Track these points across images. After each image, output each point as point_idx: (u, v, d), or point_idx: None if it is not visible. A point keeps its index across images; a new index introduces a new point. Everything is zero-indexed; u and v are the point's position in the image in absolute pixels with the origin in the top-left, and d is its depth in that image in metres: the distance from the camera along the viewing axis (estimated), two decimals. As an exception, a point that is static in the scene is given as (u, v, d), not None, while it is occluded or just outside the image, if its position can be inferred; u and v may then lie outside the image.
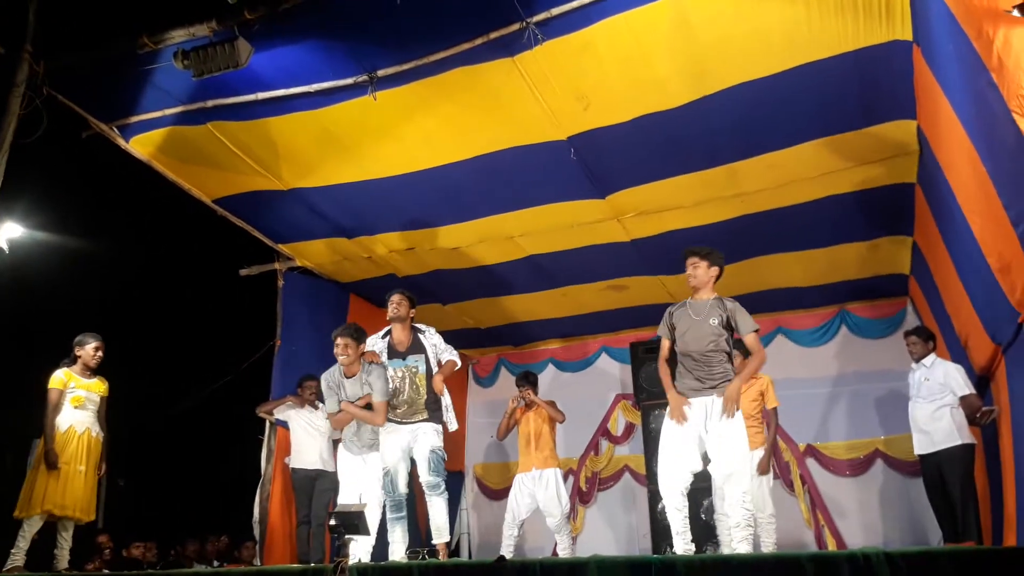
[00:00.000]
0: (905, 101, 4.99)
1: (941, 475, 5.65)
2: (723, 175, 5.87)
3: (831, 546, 7.56)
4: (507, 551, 6.27)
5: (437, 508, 5.31)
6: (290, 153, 5.82)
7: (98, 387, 5.62)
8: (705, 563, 3.28)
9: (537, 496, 6.49)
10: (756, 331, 4.79)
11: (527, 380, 6.80)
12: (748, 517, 4.40)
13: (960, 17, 3.54)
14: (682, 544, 4.46)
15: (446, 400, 5.44)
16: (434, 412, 5.36)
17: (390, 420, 5.28)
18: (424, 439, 5.27)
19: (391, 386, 5.33)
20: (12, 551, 5.13)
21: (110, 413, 5.76)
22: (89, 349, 5.55)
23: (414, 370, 5.40)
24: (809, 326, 8.47)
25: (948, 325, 6.21)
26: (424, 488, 5.30)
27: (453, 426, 5.46)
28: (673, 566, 3.24)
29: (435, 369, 5.44)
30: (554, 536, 6.82)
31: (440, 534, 5.32)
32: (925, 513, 6.51)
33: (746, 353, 5.03)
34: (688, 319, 4.77)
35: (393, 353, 5.50)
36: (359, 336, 5.29)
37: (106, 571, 6.90)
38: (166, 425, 9.44)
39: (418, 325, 5.61)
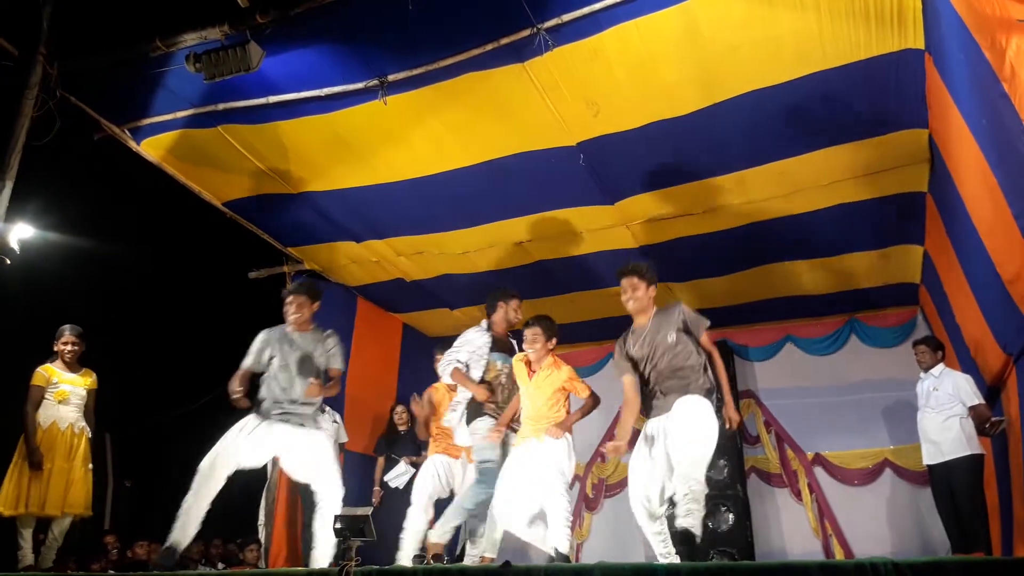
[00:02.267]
0: (917, 110, 4.97)
1: (950, 485, 5.63)
2: (733, 183, 5.85)
3: (839, 555, 7.52)
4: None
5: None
6: (300, 157, 5.84)
7: (84, 381, 5.57)
8: (711, 571, 3.26)
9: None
10: (708, 327, 4.51)
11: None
12: (698, 491, 4.11)
13: (972, 27, 3.53)
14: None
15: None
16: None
17: (490, 415, 5.19)
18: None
19: (498, 380, 5.28)
20: (18, 552, 5.13)
21: (115, 413, 5.74)
22: (59, 342, 5.53)
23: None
24: (818, 335, 8.44)
25: (958, 335, 6.19)
26: None
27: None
28: (678, 573, 3.22)
29: None
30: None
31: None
32: (934, 523, 6.48)
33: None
34: (642, 347, 4.48)
35: (500, 347, 5.41)
36: (314, 296, 5.12)
37: (112, 571, 6.93)
38: (173, 426, 9.47)
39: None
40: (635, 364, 4.50)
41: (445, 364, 5.40)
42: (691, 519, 4.00)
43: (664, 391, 4.37)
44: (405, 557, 5.44)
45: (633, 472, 4.40)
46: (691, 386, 4.31)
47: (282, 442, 4.90)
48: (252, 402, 4.94)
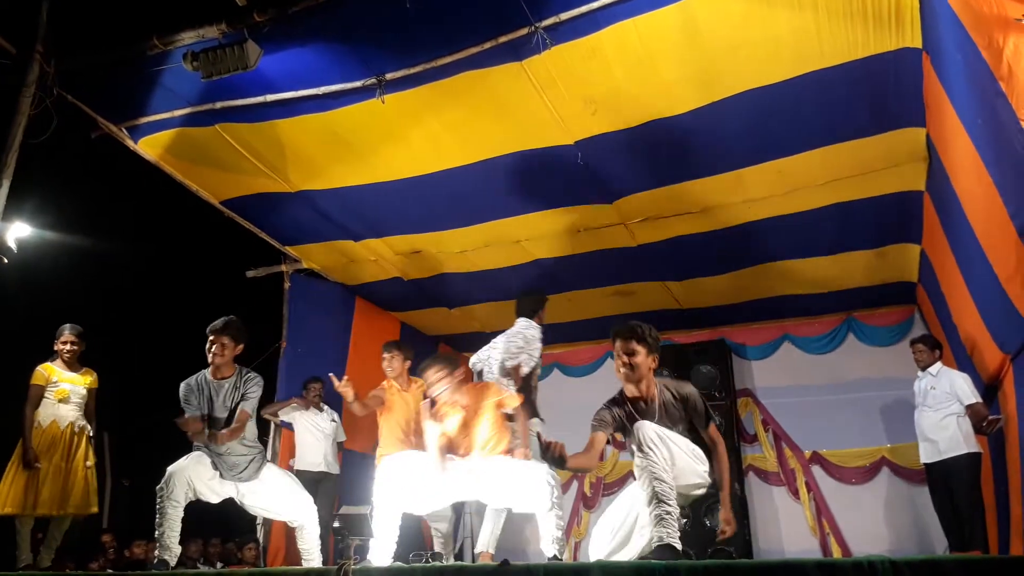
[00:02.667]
0: (914, 109, 4.97)
1: (947, 484, 5.64)
2: (731, 181, 5.85)
3: (836, 554, 7.53)
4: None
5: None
6: (298, 155, 5.83)
7: (84, 380, 5.58)
8: (709, 569, 3.25)
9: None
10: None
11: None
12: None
13: (969, 26, 3.54)
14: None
15: None
16: None
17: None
18: None
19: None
20: (16, 551, 5.13)
21: (114, 412, 5.74)
22: (58, 342, 5.54)
23: None
24: (816, 333, 8.46)
25: (955, 334, 6.20)
26: None
27: None
28: (677, 572, 3.22)
29: None
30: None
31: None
32: (931, 522, 6.49)
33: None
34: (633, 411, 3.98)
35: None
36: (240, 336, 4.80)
37: (110, 570, 6.91)
38: (171, 425, 9.45)
39: None
40: (621, 430, 3.97)
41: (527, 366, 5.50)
42: (661, 528, 3.50)
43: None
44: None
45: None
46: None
47: (235, 490, 4.76)
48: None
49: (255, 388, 4.72)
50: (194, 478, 4.60)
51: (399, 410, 6.03)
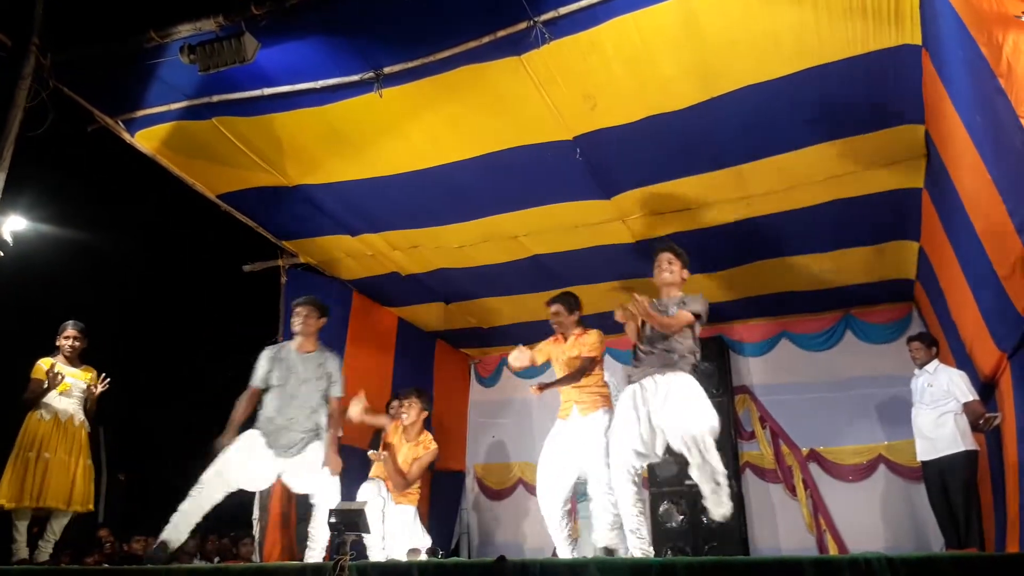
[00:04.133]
0: (913, 105, 4.97)
1: (944, 481, 5.64)
2: (730, 177, 5.85)
3: (833, 551, 7.54)
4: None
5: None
6: (295, 149, 5.81)
7: (84, 376, 5.59)
8: (706, 566, 3.26)
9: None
10: (697, 316, 4.68)
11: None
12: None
13: (969, 22, 3.53)
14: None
15: None
16: None
17: None
18: None
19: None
20: (13, 546, 5.12)
21: (110, 407, 5.75)
22: (61, 337, 5.56)
23: None
24: (814, 330, 8.45)
25: (954, 331, 6.20)
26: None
27: None
28: (674, 568, 3.22)
29: None
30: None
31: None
32: (927, 519, 6.50)
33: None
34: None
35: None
36: (323, 310, 5.22)
37: (106, 565, 6.91)
38: (167, 420, 9.46)
39: None
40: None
41: None
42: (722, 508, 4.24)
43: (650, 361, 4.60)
44: None
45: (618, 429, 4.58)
46: (678, 363, 4.56)
47: (282, 467, 4.97)
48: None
49: (337, 370, 5.11)
50: (239, 470, 4.79)
51: (395, 454, 6.03)
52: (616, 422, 4.63)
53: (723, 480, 4.29)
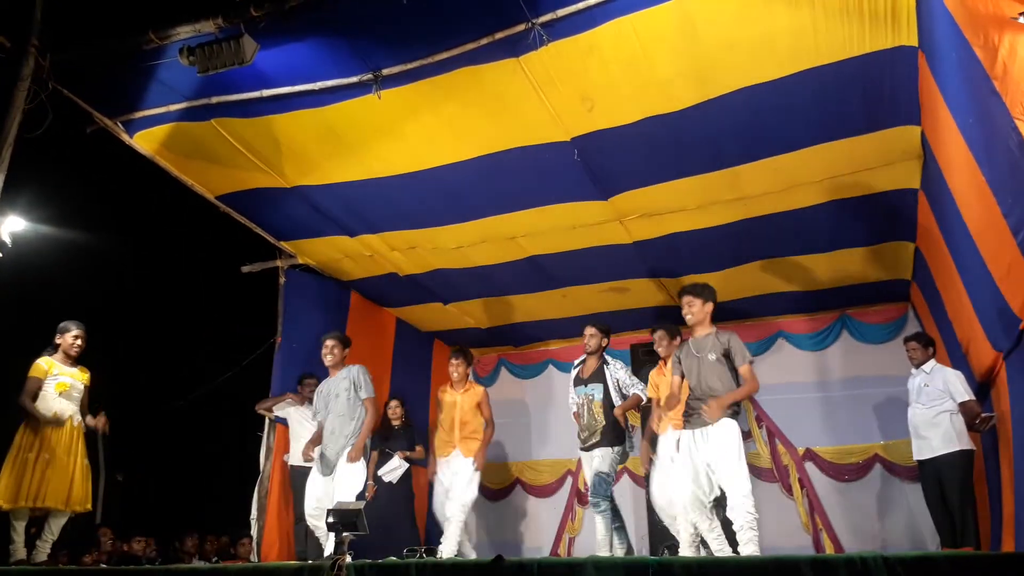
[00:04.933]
0: (910, 107, 4.99)
1: (940, 481, 5.66)
2: (726, 178, 5.87)
3: (829, 550, 7.56)
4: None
5: (597, 525, 5.75)
6: (293, 151, 5.82)
7: (81, 376, 5.58)
8: (702, 565, 3.28)
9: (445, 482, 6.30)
10: (751, 362, 4.87)
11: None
12: (751, 520, 4.47)
13: (963, 24, 3.55)
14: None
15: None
16: (607, 436, 5.83)
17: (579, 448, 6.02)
18: (593, 462, 5.84)
19: (577, 411, 6.00)
20: (11, 546, 5.11)
21: (108, 407, 5.75)
22: (68, 337, 5.52)
23: (590, 397, 5.91)
24: (810, 330, 8.47)
25: (950, 331, 6.22)
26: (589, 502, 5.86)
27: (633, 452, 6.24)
28: (671, 568, 3.24)
29: (615, 397, 5.90)
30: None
31: (600, 548, 5.67)
32: (923, 518, 6.52)
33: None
34: (688, 357, 4.97)
35: (577, 381, 6.13)
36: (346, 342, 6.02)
37: (104, 565, 6.91)
38: (166, 421, 9.45)
39: (607, 357, 6.11)
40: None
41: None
42: (750, 546, 4.44)
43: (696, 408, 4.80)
44: None
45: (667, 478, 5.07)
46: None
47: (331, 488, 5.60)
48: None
49: (360, 375, 5.85)
50: (315, 505, 5.56)
51: (447, 410, 6.48)
52: None
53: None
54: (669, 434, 5.40)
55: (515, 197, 6.30)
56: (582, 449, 5.99)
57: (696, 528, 4.78)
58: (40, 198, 5.55)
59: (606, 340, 6.14)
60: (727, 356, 4.82)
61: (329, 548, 5.23)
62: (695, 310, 4.94)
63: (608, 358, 6.10)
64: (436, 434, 6.50)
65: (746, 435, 8.41)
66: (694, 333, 5.00)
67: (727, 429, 4.67)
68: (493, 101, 5.18)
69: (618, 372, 6.01)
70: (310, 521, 5.66)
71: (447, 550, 5.74)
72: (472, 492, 6.09)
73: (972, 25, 3.45)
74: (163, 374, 9.53)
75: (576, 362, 6.25)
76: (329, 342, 5.89)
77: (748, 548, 4.42)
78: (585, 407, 5.92)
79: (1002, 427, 5.25)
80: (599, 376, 5.97)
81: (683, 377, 5.01)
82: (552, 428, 9.23)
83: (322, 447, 5.74)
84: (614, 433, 5.85)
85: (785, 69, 4.72)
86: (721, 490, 4.67)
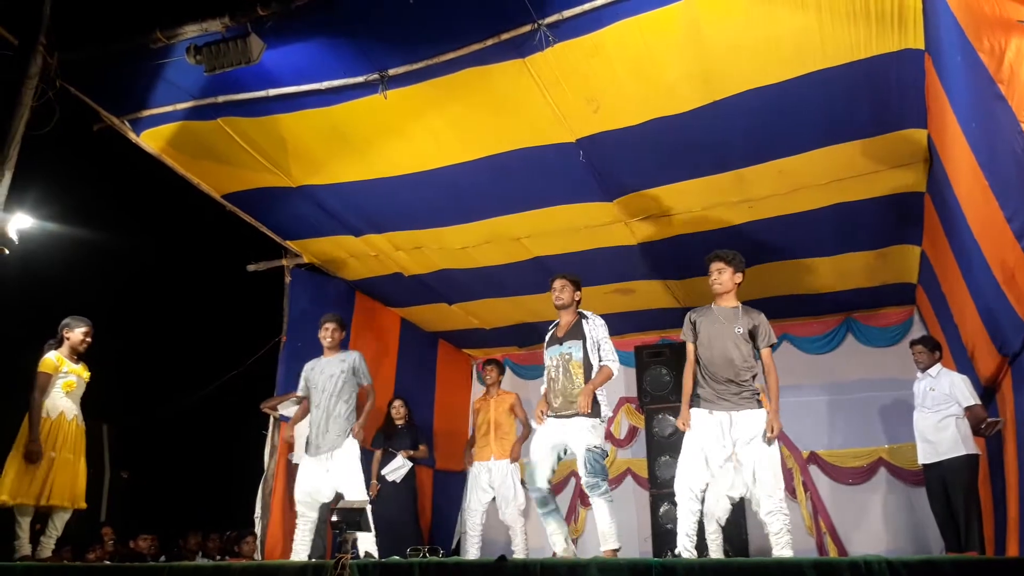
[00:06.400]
0: (916, 110, 4.98)
1: (944, 485, 5.64)
2: (732, 180, 5.86)
3: (833, 554, 7.55)
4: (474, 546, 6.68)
5: (600, 511, 4.86)
6: (299, 150, 5.84)
7: (84, 373, 5.57)
8: (705, 567, 3.28)
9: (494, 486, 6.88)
10: (773, 346, 4.78)
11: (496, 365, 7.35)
12: (786, 522, 4.49)
13: (968, 28, 3.53)
14: (686, 542, 4.54)
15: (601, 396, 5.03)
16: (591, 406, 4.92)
17: (548, 415, 5.04)
18: (580, 436, 4.88)
19: (549, 375, 5.16)
20: (15, 542, 5.13)
21: (114, 404, 5.76)
22: (78, 333, 5.50)
23: (567, 356, 5.07)
24: (815, 333, 8.46)
25: (955, 335, 6.20)
26: (584, 489, 4.94)
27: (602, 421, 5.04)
28: (674, 569, 3.24)
29: (592, 358, 5.05)
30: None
31: (606, 540, 4.82)
32: (928, 522, 6.50)
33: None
34: (712, 324, 4.78)
35: (552, 340, 5.31)
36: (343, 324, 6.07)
37: (108, 562, 6.93)
38: (171, 419, 9.48)
39: (584, 311, 5.29)
40: (696, 337, 4.84)
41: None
42: (787, 550, 4.44)
43: (722, 391, 4.65)
44: None
45: (685, 453, 4.68)
46: (743, 387, 4.64)
47: (325, 470, 5.59)
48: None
49: (359, 362, 5.91)
50: (307, 491, 5.54)
51: (482, 416, 7.14)
52: None
53: None
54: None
55: (520, 198, 6.30)
56: (556, 417, 5.01)
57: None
58: (47, 196, 5.57)
59: (578, 293, 5.29)
60: (752, 335, 4.72)
61: (302, 548, 5.51)
62: (724, 278, 4.80)
63: (587, 312, 5.28)
64: (471, 442, 7.19)
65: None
66: (719, 302, 4.88)
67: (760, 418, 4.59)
68: (499, 102, 5.18)
69: (597, 329, 5.13)
70: (301, 509, 5.56)
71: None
72: (522, 493, 6.64)
73: (977, 28, 3.43)
74: (168, 372, 9.57)
75: (551, 326, 5.44)
76: (329, 325, 5.95)
77: (785, 552, 4.45)
78: (561, 368, 5.07)
79: (1007, 431, 5.23)
80: (577, 332, 5.12)
81: (694, 343, 4.79)
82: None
83: (311, 428, 5.67)
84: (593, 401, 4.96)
85: (791, 71, 4.72)
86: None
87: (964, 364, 6.01)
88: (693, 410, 4.72)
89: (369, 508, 4.65)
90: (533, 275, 7.55)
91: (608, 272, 7.55)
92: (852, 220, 6.32)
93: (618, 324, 8.85)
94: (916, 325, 7.94)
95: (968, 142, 4.15)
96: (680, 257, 7.12)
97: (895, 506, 7.67)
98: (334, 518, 4.35)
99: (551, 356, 5.22)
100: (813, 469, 8.07)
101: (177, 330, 9.89)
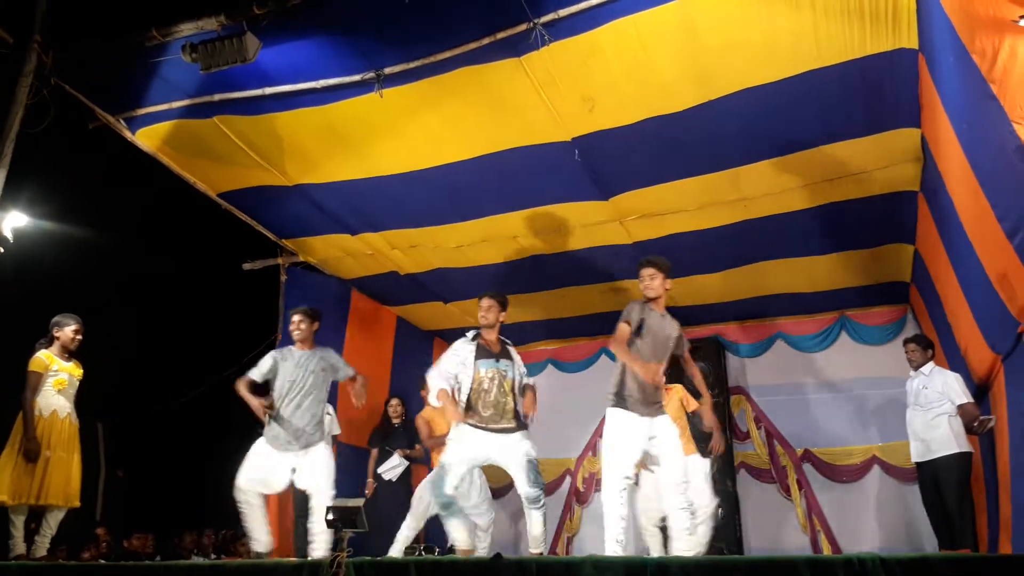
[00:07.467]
0: (910, 109, 5.00)
1: (937, 483, 5.67)
2: (726, 179, 5.88)
3: (826, 551, 7.57)
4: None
5: (535, 520, 4.96)
6: (295, 149, 5.84)
7: (76, 371, 5.54)
8: (700, 565, 3.29)
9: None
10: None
11: None
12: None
13: (961, 28, 3.55)
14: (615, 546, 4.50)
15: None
16: (518, 420, 5.08)
17: (471, 424, 5.00)
18: (518, 447, 4.96)
19: (481, 387, 5.09)
20: (10, 541, 5.11)
21: (108, 403, 5.74)
22: (68, 331, 5.43)
23: (503, 373, 5.15)
24: (809, 331, 8.49)
25: (948, 334, 6.23)
26: (524, 500, 4.97)
27: None
28: (668, 567, 3.25)
29: (518, 384, 5.20)
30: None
31: (536, 544, 4.98)
32: (921, 520, 6.53)
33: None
34: (656, 319, 4.68)
35: (484, 353, 5.22)
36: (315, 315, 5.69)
37: (102, 561, 6.92)
38: (166, 417, 9.47)
39: (502, 336, 5.41)
40: (640, 328, 4.64)
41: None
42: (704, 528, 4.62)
43: (647, 395, 4.55)
44: None
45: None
46: (659, 392, 4.66)
47: (292, 465, 5.33)
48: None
49: (339, 359, 5.66)
50: (258, 479, 5.26)
51: None
52: None
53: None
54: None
55: (516, 196, 6.31)
56: (491, 431, 4.99)
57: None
58: (42, 194, 5.56)
59: (503, 314, 5.38)
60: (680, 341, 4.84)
61: (261, 531, 5.25)
62: (656, 284, 4.70)
63: (507, 339, 5.43)
64: None
65: (744, 435, 8.44)
66: (654, 306, 4.73)
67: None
68: (494, 101, 5.19)
69: (520, 363, 5.33)
70: (242, 496, 5.20)
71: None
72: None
73: (969, 28, 3.45)
74: (164, 371, 9.56)
75: (470, 335, 5.32)
76: (296, 317, 5.59)
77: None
78: (496, 383, 5.10)
79: (1000, 430, 5.26)
80: (507, 355, 5.26)
81: (637, 335, 4.61)
82: (551, 428, 9.22)
83: (276, 421, 5.33)
84: (520, 417, 5.11)
85: (786, 71, 4.74)
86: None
87: (957, 362, 6.04)
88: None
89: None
90: (529, 273, 7.56)
91: (603, 270, 7.56)
92: (846, 219, 6.34)
93: (613, 322, 8.80)
94: (909, 323, 7.97)
95: (960, 142, 4.17)
96: (675, 256, 7.09)
97: (888, 504, 7.70)
98: (330, 516, 4.34)
99: (486, 368, 5.15)
100: (807, 467, 8.09)
101: (173, 328, 9.89)
